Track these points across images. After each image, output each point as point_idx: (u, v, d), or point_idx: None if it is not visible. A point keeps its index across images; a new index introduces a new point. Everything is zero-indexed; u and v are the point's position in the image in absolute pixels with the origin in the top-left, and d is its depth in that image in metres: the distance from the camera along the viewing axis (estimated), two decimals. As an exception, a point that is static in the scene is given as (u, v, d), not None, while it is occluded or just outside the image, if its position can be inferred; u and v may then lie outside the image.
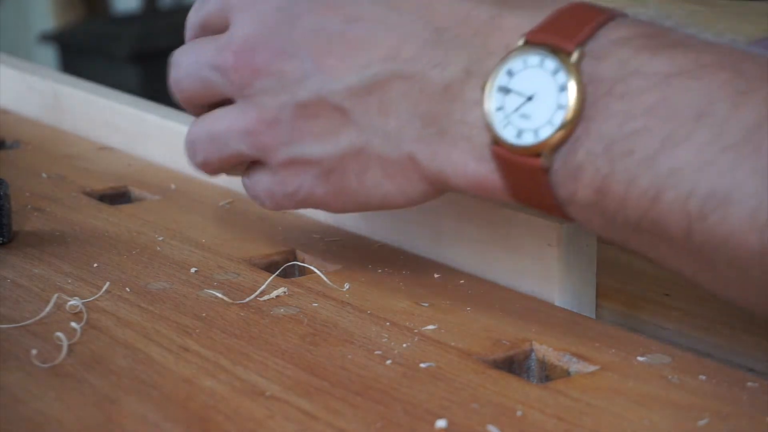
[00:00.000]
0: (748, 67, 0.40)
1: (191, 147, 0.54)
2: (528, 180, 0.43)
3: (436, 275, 0.55)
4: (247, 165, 0.53)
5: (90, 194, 0.67)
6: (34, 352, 0.45)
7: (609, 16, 0.43)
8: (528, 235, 0.52)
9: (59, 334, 0.46)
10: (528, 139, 0.43)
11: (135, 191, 0.68)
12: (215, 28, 0.52)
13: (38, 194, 0.67)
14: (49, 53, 2.69)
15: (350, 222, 0.61)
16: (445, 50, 0.46)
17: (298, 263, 0.57)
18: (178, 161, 0.68)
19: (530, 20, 0.44)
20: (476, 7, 0.46)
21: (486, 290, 0.53)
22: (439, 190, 0.48)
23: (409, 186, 0.48)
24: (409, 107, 0.46)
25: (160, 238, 0.59)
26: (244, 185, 0.53)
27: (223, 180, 0.64)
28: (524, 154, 0.43)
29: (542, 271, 0.52)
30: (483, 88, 0.44)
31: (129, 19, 2.61)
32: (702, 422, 0.40)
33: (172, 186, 0.68)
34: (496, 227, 0.53)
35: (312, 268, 0.54)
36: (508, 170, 0.44)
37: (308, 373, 0.44)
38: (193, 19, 0.54)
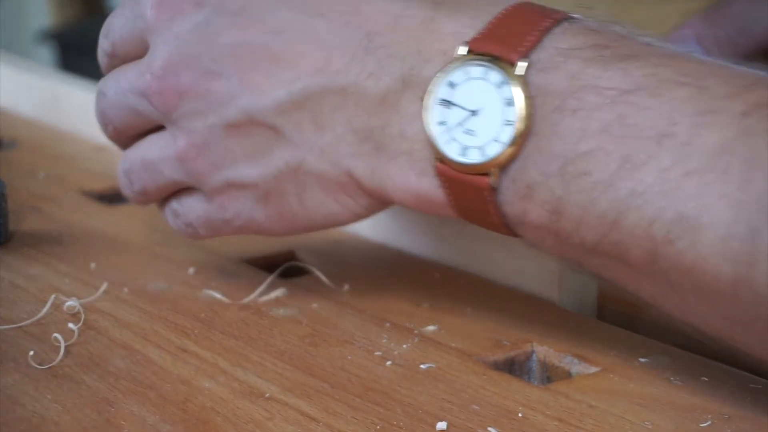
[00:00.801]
0: (710, 83, 0.38)
1: (127, 176, 0.51)
2: (474, 198, 0.42)
3: (436, 275, 0.54)
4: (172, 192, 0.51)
5: (88, 194, 0.67)
6: (31, 353, 0.45)
7: (554, 21, 0.41)
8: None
9: (57, 335, 0.46)
10: (474, 157, 0.41)
11: (133, 191, 0.68)
12: (131, 54, 0.50)
13: (36, 194, 0.66)
14: (46, 52, 2.69)
15: (350, 222, 0.60)
16: (378, 58, 0.43)
17: (298, 264, 0.56)
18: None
19: (469, 25, 0.42)
20: (407, 9, 0.43)
21: (486, 291, 0.52)
22: (384, 203, 0.46)
23: (352, 201, 0.46)
24: (343, 121, 0.44)
25: (159, 239, 0.59)
26: (173, 212, 0.51)
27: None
28: (470, 172, 0.41)
29: (543, 272, 0.51)
30: (422, 100, 0.42)
31: (127, 18, 2.60)
32: (704, 424, 0.40)
33: (171, 185, 0.68)
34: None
35: (311, 268, 0.54)
36: (453, 188, 0.42)
37: (308, 375, 0.44)
38: (104, 46, 0.51)
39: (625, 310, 0.53)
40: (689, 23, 0.71)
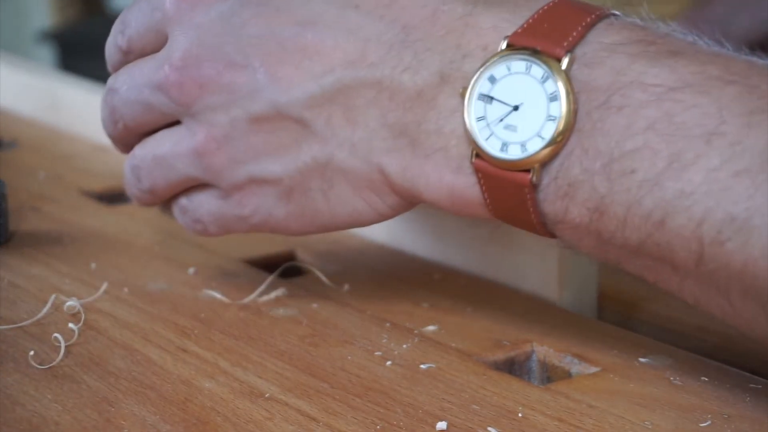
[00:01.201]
0: (758, 81, 0.37)
1: (135, 173, 0.49)
2: (512, 196, 0.41)
3: (436, 275, 0.54)
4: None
5: (88, 194, 0.67)
6: (31, 353, 0.45)
7: (597, 17, 0.40)
8: (529, 235, 0.51)
9: (57, 335, 0.46)
10: (514, 153, 0.40)
11: (133, 191, 0.68)
12: (148, 48, 0.48)
13: (36, 194, 0.66)
14: (47, 52, 2.69)
15: (350, 222, 0.60)
16: (415, 52, 0.42)
17: (298, 264, 0.56)
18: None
19: (509, 20, 0.41)
20: (445, 3, 0.42)
21: (487, 290, 0.52)
22: (411, 203, 0.45)
23: (379, 201, 0.45)
24: (377, 116, 0.43)
25: (159, 239, 0.59)
26: (182, 208, 0.49)
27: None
28: (510, 169, 0.40)
29: (543, 272, 0.51)
30: (462, 95, 0.41)
31: (127, 18, 2.60)
32: (704, 424, 0.40)
33: (171, 185, 0.68)
34: (497, 227, 0.53)
35: (311, 268, 0.54)
36: (490, 185, 0.41)
37: (308, 375, 0.44)
38: (118, 42, 0.49)
39: (625, 309, 0.53)
40: None
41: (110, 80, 0.50)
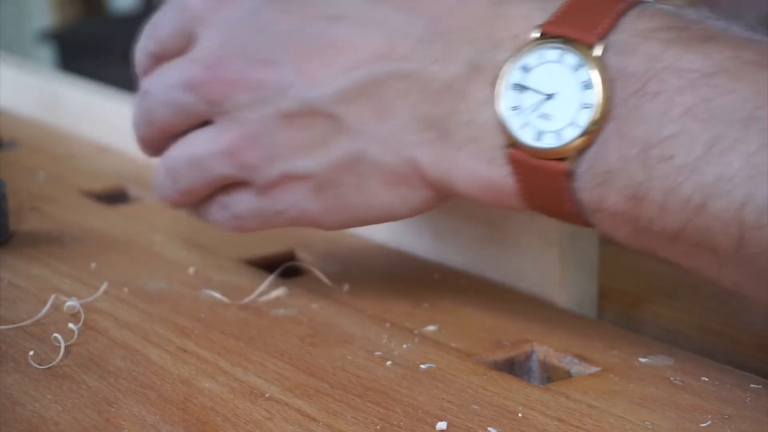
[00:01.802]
0: None
1: (172, 175, 0.49)
2: (547, 185, 0.41)
3: (436, 275, 0.54)
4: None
5: (88, 194, 0.67)
6: (31, 353, 0.45)
7: (629, 4, 0.40)
8: (529, 235, 0.51)
9: (57, 335, 0.46)
10: (550, 142, 0.40)
11: (133, 191, 0.68)
12: (179, 50, 0.48)
13: (36, 194, 0.66)
14: (47, 52, 2.69)
15: (350, 222, 0.60)
16: (444, 44, 0.42)
17: (298, 263, 0.56)
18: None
19: (540, 8, 0.41)
20: None
21: (486, 290, 0.52)
22: (444, 196, 0.45)
23: (412, 194, 0.45)
24: (407, 109, 0.43)
25: (159, 238, 0.59)
26: (222, 205, 0.49)
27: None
28: (545, 158, 0.40)
29: (543, 272, 0.51)
30: (494, 85, 0.41)
31: (127, 18, 2.61)
32: (704, 424, 0.40)
33: (171, 185, 0.68)
34: (497, 227, 0.53)
35: (311, 268, 0.54)
36: (525, 175, 0.41)
37: (308, 375, 0.44)
38: (150, 47, 0.49)
39: (625, 309, 0.53)
40: None
41: (143, 83, 0.50)
